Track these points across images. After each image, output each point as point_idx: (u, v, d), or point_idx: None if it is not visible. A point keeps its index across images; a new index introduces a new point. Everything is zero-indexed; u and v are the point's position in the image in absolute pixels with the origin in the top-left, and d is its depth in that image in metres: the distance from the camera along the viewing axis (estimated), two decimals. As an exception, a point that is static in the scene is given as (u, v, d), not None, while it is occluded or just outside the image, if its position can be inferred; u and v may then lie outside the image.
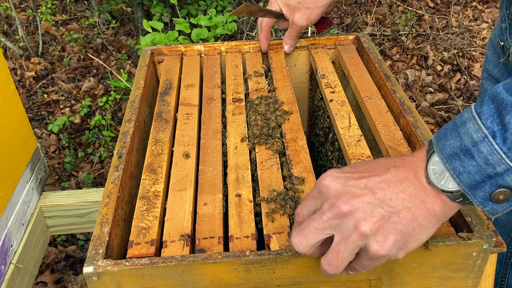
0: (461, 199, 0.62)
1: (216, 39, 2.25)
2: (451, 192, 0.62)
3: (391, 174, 0.64)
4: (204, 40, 2.12)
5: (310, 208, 0.68)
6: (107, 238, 0.79)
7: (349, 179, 0.65)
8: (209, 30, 2.14)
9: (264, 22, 1.31)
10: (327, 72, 1.24)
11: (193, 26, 2.24)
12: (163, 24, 2.04)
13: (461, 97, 3.06)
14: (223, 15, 2.25)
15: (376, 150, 1.05)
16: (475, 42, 3.55)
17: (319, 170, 1.34)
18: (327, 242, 0.68)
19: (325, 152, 1.25)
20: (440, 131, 0.64)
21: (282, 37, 1.38)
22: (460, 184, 0.60)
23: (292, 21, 1.26)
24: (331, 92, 1.16)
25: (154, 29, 2.04)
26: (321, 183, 0.66)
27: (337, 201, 0.63)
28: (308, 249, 0.66)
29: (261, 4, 3.37)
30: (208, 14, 2.20)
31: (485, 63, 1.27)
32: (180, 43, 2.07)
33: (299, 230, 0.66)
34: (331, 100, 1.13)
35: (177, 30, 2.07)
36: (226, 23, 2.19)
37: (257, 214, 0.85)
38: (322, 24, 1.37)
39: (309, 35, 1.43)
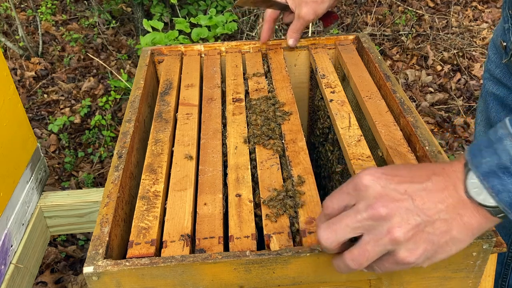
0: (503, 214, 0.60)
1: (216, 39, 2.25)
2: (492, 207, 0.60)
3: (431, 182, 0.62)
4: (204, 40, 2.12)
5: (342, 203, 0.66)
6: (107, 238, 0.79)
7: (390, 182, 0.63)
8: (209, 30, 2.15)
9: (268, 14, 1.29)
10: (327, 72, 1.24)
11: (193, 25, 2.24)
12: (163, 23, 2.04)
13: (461, 97, 3.06)
14: (223, 14, 2.25)
15: (376, 150, 1.05)
16: (475, 42, 3.55)
17: (319, 171, 1.34)
18: (346, 242, 0.67)
19: (325, 152, 1.26)
20: (474, 147, 0.62)
21: (283, 37, 1.37)
22: (500, 202, 0.59)
23: (299, 14, 1.24)
24: (331, 92, 1.16)
25: (154, 29, 2.04)
26: (359, 181, 0.64)
27: (375, 203, 0.62)
28: (335, 245, 0.65)
29: None
30: (208, 14, 2.20)
31: (487, 63, 1.27)
32: (180, 43, 2.07)
33: (329, 225, 0.65)
34: (331, 100, 1.13)
35: (177, 30, 2.07)
36: (226, 22, 2.20)
37: (257, 214, 0.85)
38: (328, 19, 1.35)
39: (309, 35, 1.42)
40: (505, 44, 1.11)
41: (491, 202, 0.60)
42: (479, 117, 1.35)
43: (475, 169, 0.60)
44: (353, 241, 0.65)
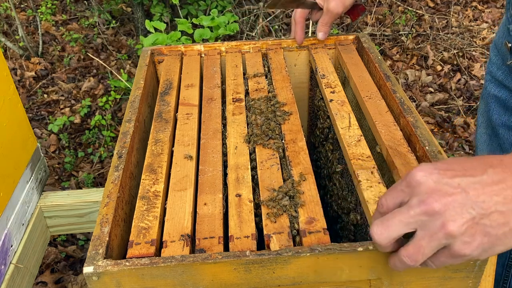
0: None
1: (216, 39, 2.25)
2: None
3: (487, 175, 0.62)
4: (206, 40, 2.12)
5: (396, 200, 0.66)
6: (107, 238, 0.79)
7: (442, 177, 0.63)
8: (211, 31, 2.15)
9: (297, 14, 1.30)
10: (327, 72, 1.24)
11: (194, 26, 2.24)
12: (165, 24, 2.04)
13: (461, 97, 3.06)
14: (223, 14, 2.25)
15: (376, 151, 1.05)
16: (475, 42, 3.55)
17: (319, 171, 1.34)
18: (399, 240, 0.67)
19: (325, 152, 1.26)
20: None
21: (283, 37, 1.37)
22: None
23: (328, 8, 1.25)
24: (331, 92, 1.16)
25: (156, 29, 2.04)
26: (412, 177, 0.64)
27: (428, 198, 0.62)
28: (388, 241, 0.65)
29: (261, 4, 3.37)
30: (209, 15, 2.20)
31: (489, 65, 1.26)
32: (183, 43, 2.07)
33: (382, 221, 0.65)
34: (331, 100, 1.13)
35: (179, 31, 2.07)
36: (228, 23, 2.20)
37: (257, 214, 0.85)
38: (355, 11, 1.35)
39: (309, 35, 1.42)
40: (510, 45, 1.10)
41: None
42: (480, 119, 1.35)
43: None
44: (407, 238, 0.65)
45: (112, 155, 1.07)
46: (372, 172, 0.90)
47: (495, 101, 1.24)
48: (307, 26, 1.37)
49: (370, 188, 0.87)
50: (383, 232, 0.65)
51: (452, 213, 0.61)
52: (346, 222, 1.08)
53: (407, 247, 0.65)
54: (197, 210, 0.86)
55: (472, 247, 0.61)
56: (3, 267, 1.14)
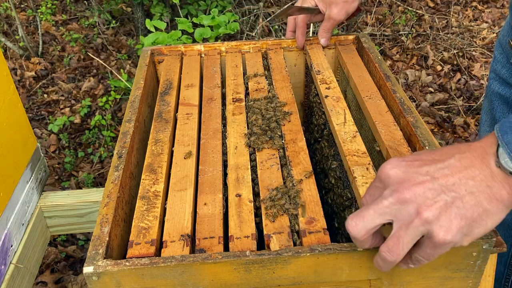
0: None
1: (216, 39, 2.25)
2: None
3: (454, 159, 0.64)
4: (206, 40, 2.12)
5: (373, 197, 0.67)
6: (107, 238, 0.79)
7: (410, 166, 0.65)
8: (211, 30, 2.15)
9: (300, 19, 1.32)
10: (322, 68, 1.24)
11: (195, 25, 2.24)
12: (165, 23, 2.04)
13: (461, 97, 3.06)
14: (223, 14, 2.25)
15: (376, 150, 1.05)
16: (475, 42, 3.55)
17: (316, 170, 1.34)
18: (378, 236, 0.68)
19: (321, 149, 1.25)
20: (504, 125, 0.63)
21: (283, 37, 1.37)
22: None
23: (329, 15, 1.27)
24: (326, 88, 1.16)
25: (156, 29, 2.04)
26: (381, 171, 0.66)
27: (398, 187, 0.63)
28: (363, 232, 0.65)
29: (261, 4, 3.37)
30: (210, 14, 2.20)
31: (493, 63, 1.26)
32: (184, 43, 2.07)
33: (357, 213, 0.65)
34: (326, 96, 1.13)
35: (180, 30, 2.07)
36: (228, 22, 2.20)
37: (257, 214, 0.85)
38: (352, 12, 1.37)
39: (310, 35, 1.43)
40: None
41: None
42: (484, 117, 1.35)
43: (505, 146, 0.61)
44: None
45: (112, 155, 1.07)
46: (367, 168, 0.90)
47: (499, 99, 1.24)
48: (308, 26, 1.38)
49: (365, 184, 0.87)
50: (358, 223, 0.65)
51: (424, 199, 0.62)
52: (342, 219, 1.08)
53: (386, 241, 0.65)
54: (197, 210, 0.86)
55: (452, 232, 0.62)
56: (3, 267, 1.14)
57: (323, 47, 1.35)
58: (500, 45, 1.23)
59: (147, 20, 2.01)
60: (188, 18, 2.22)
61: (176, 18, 2.29)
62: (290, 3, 1.35)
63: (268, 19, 3.25)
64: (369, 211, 0.65)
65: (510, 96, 1.20)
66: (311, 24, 1.48)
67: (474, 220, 0.62)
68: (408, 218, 0.62)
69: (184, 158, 0.98)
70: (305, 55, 1.38)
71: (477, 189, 0.62)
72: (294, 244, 0.78)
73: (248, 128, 1.06)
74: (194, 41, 2.15)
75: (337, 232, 1.13)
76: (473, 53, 3.41)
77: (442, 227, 0.62)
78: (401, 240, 0.63)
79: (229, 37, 3.26)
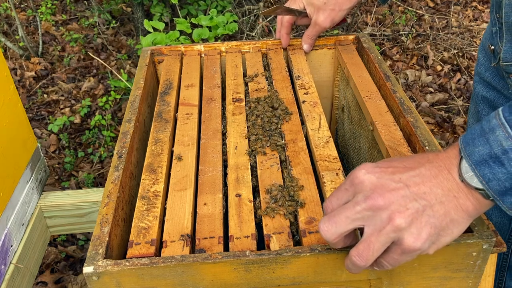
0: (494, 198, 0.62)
1: (216, 39, 2.25)
2: (484, 190, 0.62)
3: (425, 168, 0.64)
4: (205, 40, 2.13)
5: (341, 201, 0.67)
6: (107, 238, 0.79)
7: (384, 173, 0.65)
8: (210, 30, 2.15)
9: (285, 18, 1.32)
10: (303, 73, 1.24)
11: (193, 26, 2.24)
12: (164, 24, 2.04)
13: (461, 97, 3.06)
14: (223, 15, 2.25)
15: (376, 149, 1.05)
16: (475, 42, 3.55)
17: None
18: (350, 236, 0.68)
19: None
20: (467, 136, 0.64)
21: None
22: (489, 190, 0.61)
23: (316, 21, 1.27)
24: (304, 93, 1.16)
25: (155, 29, 2.04)
26: (354, 176, 0.66)
27: (372, 193, 0.63)
28: (335, 237, 0.66)
29: (261, 4, 3.37)
30: (208, 14, 2.20)
31: (477, 66, 1.26)
32: (182, 43, 2.07)
33: (329, 217, 0.66)
34: (303, 102, 1.13)
35: (178, 30, 2.08)
36: (227, 23, 2.20)
37: (257, 214, 0.85)
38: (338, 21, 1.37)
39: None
40: (493, 47, 1.10)
41: (482, 186, 0.62)
42: (471, 120, 1.35)
43: (467, 157, 0.62)
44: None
45: (112, 155, 1.07)
46: (337, 174, 0.91)
47: (484, 102, 1.24)
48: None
49: (334, 189, 0.87)
50: (330, 228, 0.66)
51: (397, 206, 0.63)
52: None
53: (357, 245, 0.65)
54: (197, 210, 0.86)
55: (421, 239, 0.62)
56: (3, 267, 1.14)
57: (305, 53, 1.35)
58: (483, 48, 1.23)
59: (145, 21, 2.01)
60: (187, 19, 2.22)
61: (175, 18, 2.29)
62: (280, 4, 1.36)
63: (268, 19, 3.26)
64: (341, 217, 0.65)
65: (494, 98, 1.21)
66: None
67: (442, 229, 0.63)
68: (380, 224, 0.63)
69: (175, 159, 0.97)
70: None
71: (446, 198, 0.63)
72: (294, 244, 0.78)
73: (248, 128, 1.06)
74: (192, 42, 2.15)
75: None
76: (473, 53, 3.41)
77: (412, 234, 0.62)
78: (372, 246, 0.64)
79: (229, 37, 3.26)
